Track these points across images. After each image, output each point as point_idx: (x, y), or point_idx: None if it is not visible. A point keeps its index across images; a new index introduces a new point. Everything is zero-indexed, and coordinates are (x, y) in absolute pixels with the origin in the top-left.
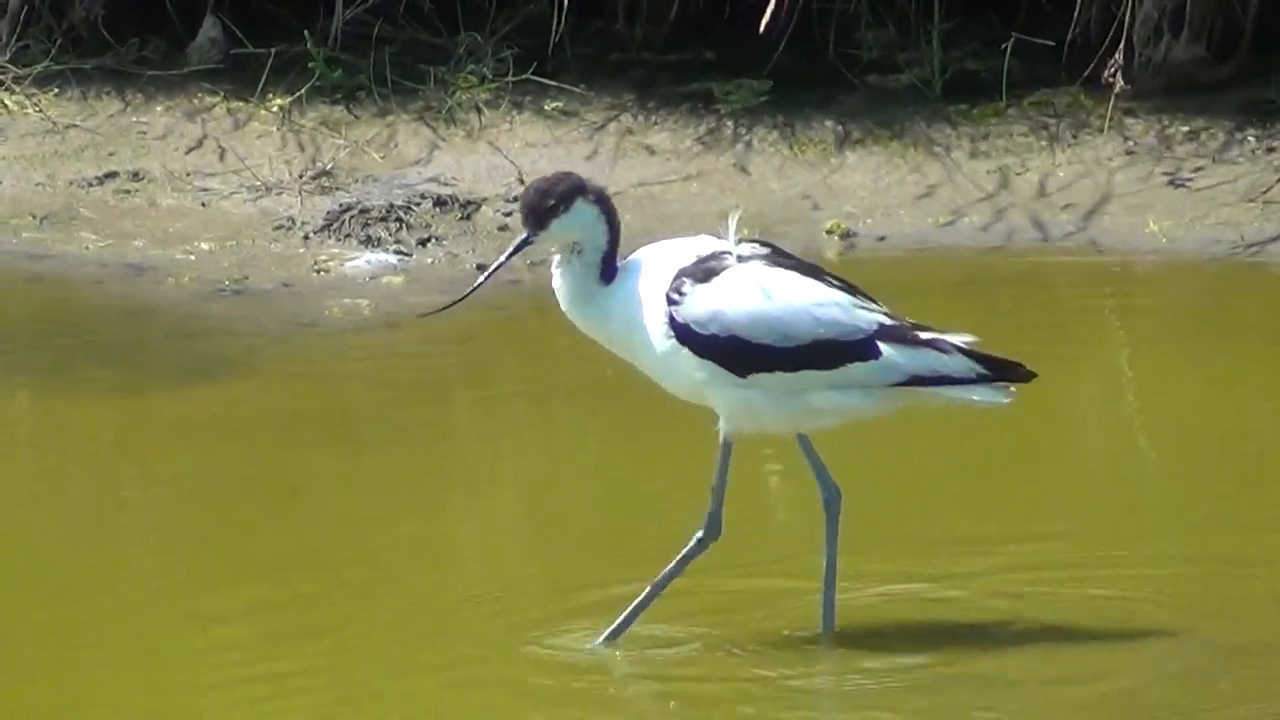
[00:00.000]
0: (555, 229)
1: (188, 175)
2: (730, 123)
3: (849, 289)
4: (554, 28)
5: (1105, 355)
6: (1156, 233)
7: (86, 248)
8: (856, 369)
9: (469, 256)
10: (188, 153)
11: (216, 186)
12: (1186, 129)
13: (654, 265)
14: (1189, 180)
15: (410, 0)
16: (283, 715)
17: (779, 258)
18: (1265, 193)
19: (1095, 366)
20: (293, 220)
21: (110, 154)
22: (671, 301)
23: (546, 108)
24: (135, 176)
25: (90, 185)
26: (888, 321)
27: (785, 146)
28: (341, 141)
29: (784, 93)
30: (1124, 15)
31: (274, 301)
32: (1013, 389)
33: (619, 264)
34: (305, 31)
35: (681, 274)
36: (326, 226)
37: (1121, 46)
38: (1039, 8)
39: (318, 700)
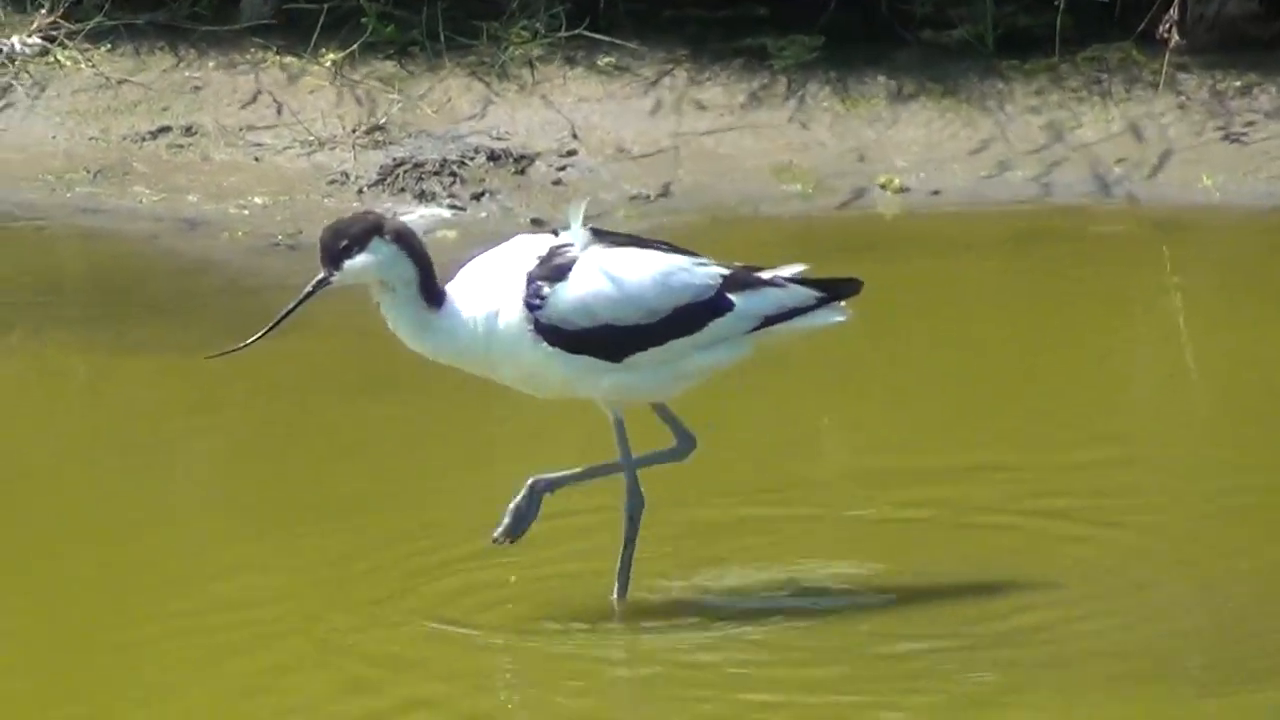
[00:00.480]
0: (350, 269)
1: (241, 130)
2: (783, 78)
3: (681, 250)
4: None
5: (1158, 308)
6: (1210, 187)
7: (140, 202)
8: (717, 325)
9: (523, 211)
10: (242, 108)
11: (270, 141)
12: (1239, 84)
13: (493, 277)
14: (1242, 135)
15: None
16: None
17: (609, 236)
18: None
19: (1148, 320)
20: (346, 175)
21: (163, 109)
22: (533, 306)
23: (599, 63)
24: (188, 131)
25: (143, 140)
26: (727, 271)
27: (838, 102)
28: (394, 96)
29: (836, 49)
30: None
31: None
32: (844, 305)
33: (444, 286)
34: None
35: (533, 278)
36: (380, 181)
37: (1175, 2)
38: None
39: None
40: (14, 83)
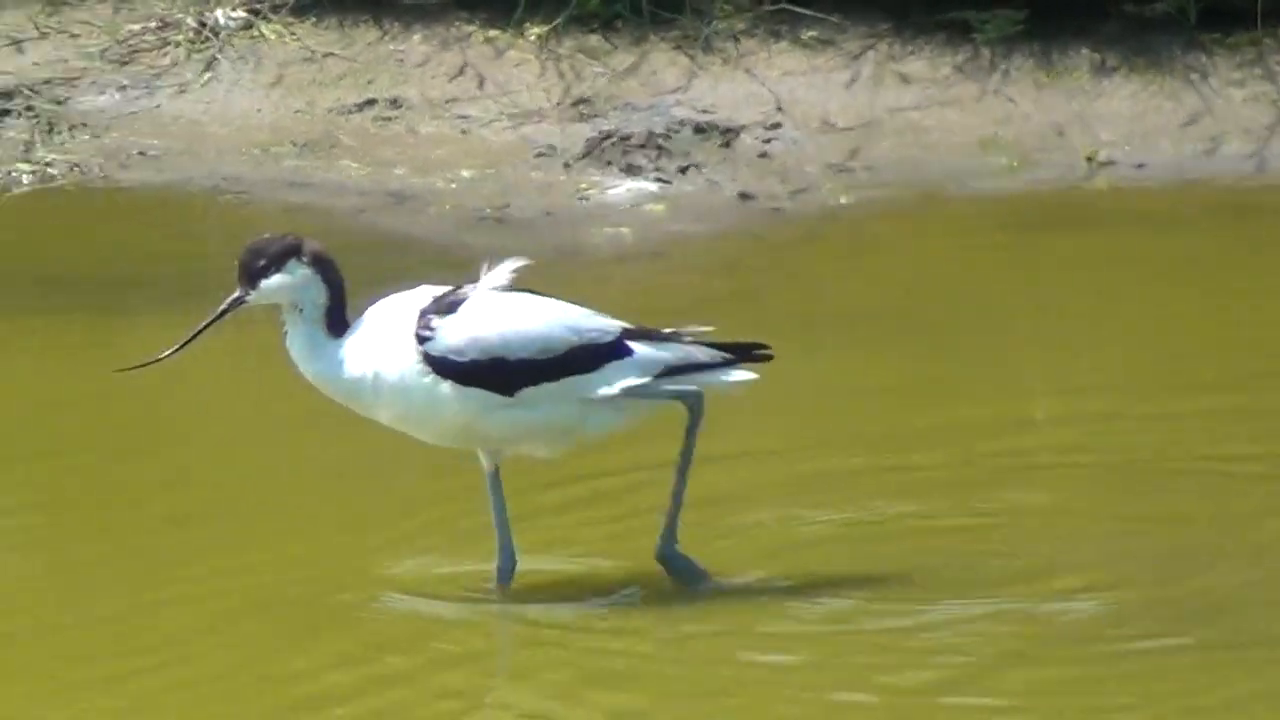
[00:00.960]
0: (265, 289)
1: (446, 103)
2: (986, 51)
3: (579, 305)
4: None
5: None
6: None
7: (347, 176)
8: (615, 367)
9: (728, 184)
10: (448, 81)
11: (476, 114)
12: None
13: (389, 314)
14: None
15: None
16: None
17: (516, 289)
18: None
19: None
20: (553, 148)
21: (368, 81)
22: (423, 339)
23: (803, 36)
24: (394, 104)
25: (349, 113)
26: (629, 326)
27: (1042, 74)
28: (599, 69)
29: (1039, 22)
30: None
31: (535, 229)
32: (754, 369)
33: (350, 319)
34: None
35: (425, 312)
36: (586, 154)
37: None
38: None
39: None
40: (219, 56)
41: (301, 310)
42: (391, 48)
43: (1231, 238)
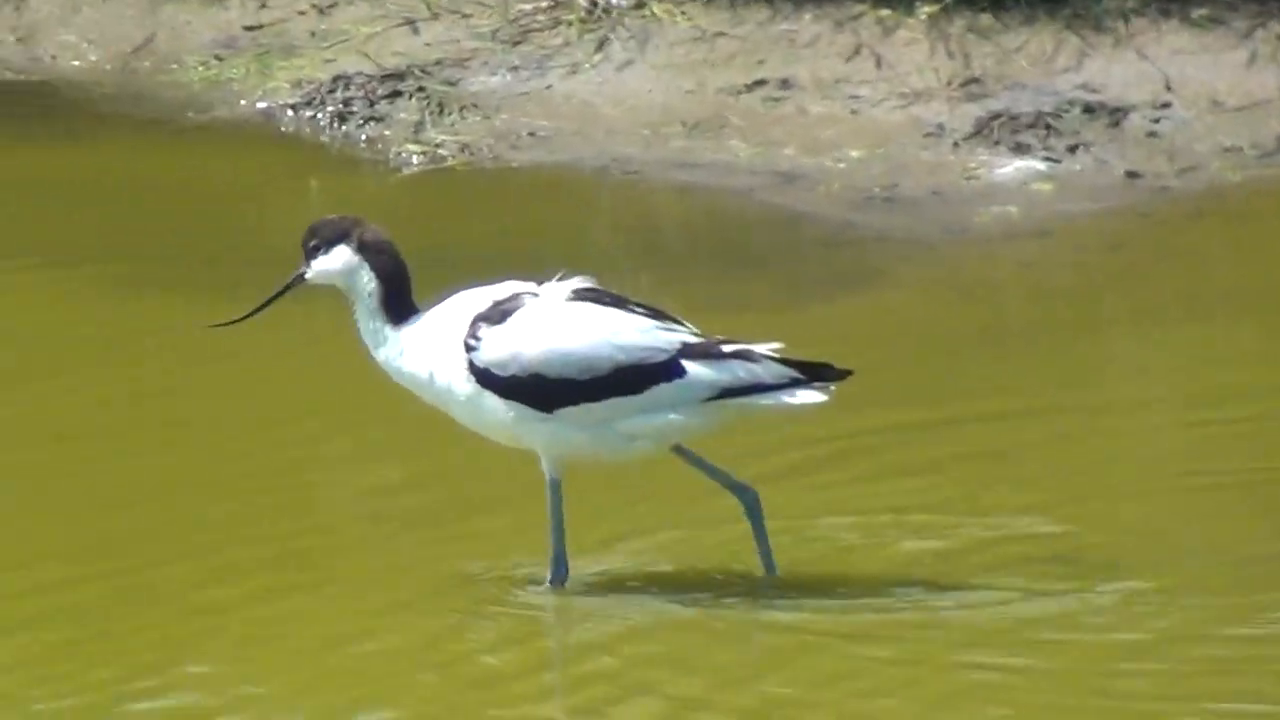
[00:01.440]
0: (316, 268)
1: (836, 83)
2: None
3: (653, 313)
4: None
5: None
6: None
7: (736, 155)
8: (663, 390)
9: (1117, 164)
10: (847, 60)
11: (865, 94)
12: None
13: (452, 312)
14: None
15: None
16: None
17: (584, 291)
18: None
19: None
20: (942, 128)
21: (759, 62)
22: (469, 348)
23: (1193, 15)
24: (784, 84)
25: (739, 93)
26: (691, 340)
27: None
28: (989, 49)
29: None
30: None
31: (923, 209)
32: (831, 386)
33: (421, 307)
34: None
35: (478, 319)
36: (975, 133)
37: None
38: None
39: None
40: (610, 36)
41: (359, 296)
42: (782, 28)
43: None
